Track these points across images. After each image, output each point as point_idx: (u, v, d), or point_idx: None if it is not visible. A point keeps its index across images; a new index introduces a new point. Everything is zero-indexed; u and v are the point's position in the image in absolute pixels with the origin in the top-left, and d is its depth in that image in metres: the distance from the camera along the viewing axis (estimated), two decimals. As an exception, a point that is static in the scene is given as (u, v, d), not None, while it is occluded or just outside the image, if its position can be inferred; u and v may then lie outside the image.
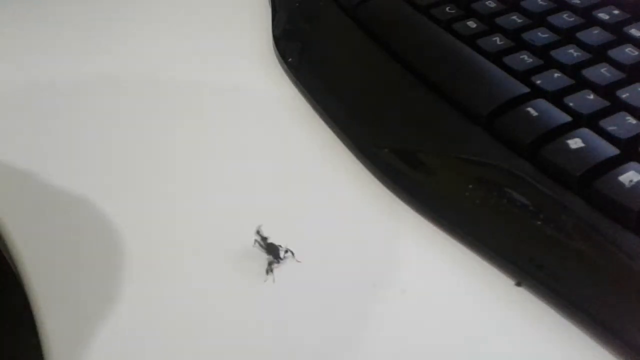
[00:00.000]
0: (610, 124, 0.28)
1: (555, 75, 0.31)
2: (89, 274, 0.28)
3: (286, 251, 0.28)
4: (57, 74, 0.40)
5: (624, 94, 0.29)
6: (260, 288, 0.27)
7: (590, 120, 0.29)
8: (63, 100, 0.38)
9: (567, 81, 0.31)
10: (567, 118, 0.29)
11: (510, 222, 0.27)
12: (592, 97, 0.30)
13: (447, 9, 0.37)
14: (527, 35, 0.34)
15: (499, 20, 0.35)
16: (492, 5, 0.36)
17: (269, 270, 0.27)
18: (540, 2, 0.36)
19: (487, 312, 0.25)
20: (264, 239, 0.28)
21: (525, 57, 0.32)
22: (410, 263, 0.27)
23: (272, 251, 0.27)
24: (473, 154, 0.30)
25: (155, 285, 0.27)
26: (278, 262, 0.27)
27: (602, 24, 0.34)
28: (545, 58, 0.32)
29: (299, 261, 0.28)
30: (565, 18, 0.34)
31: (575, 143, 0.28)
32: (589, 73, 0.31)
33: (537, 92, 0.30)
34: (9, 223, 0.30)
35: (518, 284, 0.26)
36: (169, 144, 0.34)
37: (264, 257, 0.28)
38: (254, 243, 0.28)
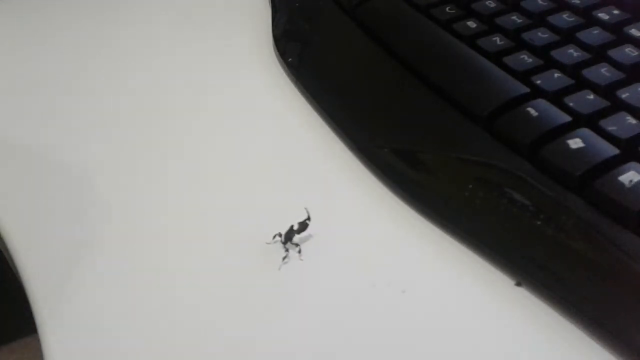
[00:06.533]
0: (610, 124, 0.28)
1: (555, 75, 0.31)
2: (90, 274, 0.28)
3: (296, 244, 0.28)
4: (57, 75, 0.40)
5: (624, 94, 0.29)
6: (258, 288, 0.27)
7: (590, 120, 0.29)
8: (63, 102, 0.38)
9: (567, 81, 0.31)
10: (567, 118, 0.29)
11: (510, 222, 0.27)
12: (592, 97, 0.30)
13: (447, 9, 0.37)
14: (527, 35, 0.34)
15: (499, 20, 0.35)
16: (492, 5, 0.36)
17: (286, 249, 0.28)
18: (540, 2, 0.36)
19: (487, 312, 0.25)
20: (302, 223, 0.28)
21: (525, 57, 0.32)
22: (410, 263, 0.27)
23: (286, 236, 0.28)
24: (473, 154, 0.30)
25: (158, 284, 0.27)
26: (285, 250, 0.28)
27: (602, 24, 0.34)
28: (545, 58, 0.32)
29: (301, 259, 0.28)
30: (565, 18, 0.34)
31: (575, 143, 0.28)
32: (589, 73, 0.31)
33: (537, 92, 0.30)
34: (9, 223, 0.30)
35: (518, 284, 0.26)
36: (168, 144, 0.34)
37: (262, 254, 0.28)
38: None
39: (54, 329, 0.26)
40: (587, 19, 0.34)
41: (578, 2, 0.35)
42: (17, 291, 0.27)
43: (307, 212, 0.28)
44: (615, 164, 0.27)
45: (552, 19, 0.34)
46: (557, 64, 0.32)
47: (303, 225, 0.28)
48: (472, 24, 0.35)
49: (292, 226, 0.28)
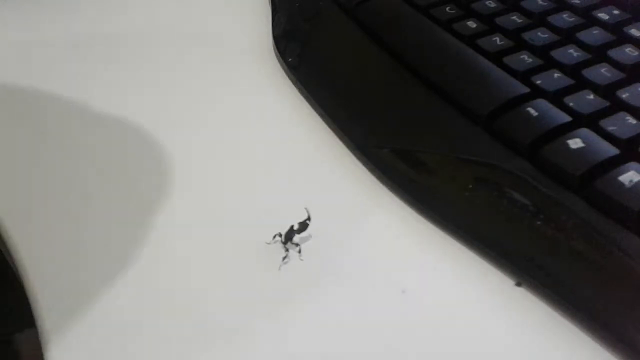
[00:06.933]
0: (610, 124, 0.28)
1: (555, 75, 0.31)
2: (90, 274, 0.28)
3: (296, 244, 0.28)
4: (57, 75, 0.40)
5: (624, 94, 0.29)
6: (258, 287, 0.27)
7: (590, 120, 0.29)
8: (61, 99, 0.38)
9: (567, 81, 0.31)
10: (567, 118, 0.29)
11: (510, 222, 0.27)
12: (592, 97, 0.30)
13: (447, 9, 0.37)
14: (527, 35, 0.34)
15: (499, 20, 0.35)
16: (492, 5, 0.36)
17: (286, 249, 0.28)
18: (540, 2, 0.36)
19: (487, 312, 0.25)
20: (302, 223, 0.28)
21: (525, 57, 0.32)
22: (410, 263, 0.27)
23: (287, 236, 0.28)
24: (473, 154, 0.30)
25: (158, 284, 0.27)
26: (285, 250, 0.28)
27: (602, 24, 0.34)
28: (545, 58, 0.32)
29: (301, 259, 0.28)
30: (565, 18, 0.34)
31: (575, 143, 0.28)
32: (589, 73, 0.31)
33: (537, 92, 0.30)
34: (9, 223, 0.30)
35: (518, 284, 0.26)
36: (168, 144, 0.34)
37: (262, 254, 0.28)
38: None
39: (55, 328, 0.26)
40: (587, 19, 0.34)
41: (578, 2, 0.35)
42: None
43: (307, 212, 0.28)
44: (615, 164, 0.27)
45: (552, 19, 0.34)
46: (557, 64, 0.32)
47: (303, 225, 0.28)
48: (472, 24, 0.35)
49: (292, 226, 0.28)
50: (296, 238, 0.28)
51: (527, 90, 0.31)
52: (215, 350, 0.25)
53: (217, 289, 0.27)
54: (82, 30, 0.44)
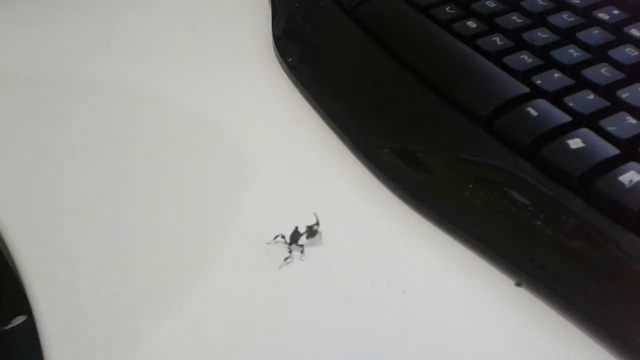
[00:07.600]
0: (610, 124, 0.28)
1: (555, 75, 0.31)
2: (90, 275, 0.28)
3: (300, 245, 0.28)
4: (57, 75, 0.40)
5: (624, 94, 0.29)
6: (259, 286, 0.27)
7: (590, 120, 0.29)
8: (63, 100, 0.38)
9: (567, 81, 0.31)
10: (567, 118, 0.29)
11: (510, 222, 0.27)
12: (592, 97, 0.30)
13: (447, 9, 0.37)
14: (527, 35, 0.34)
15: (499, 20, 0.35)
16: (492, 5, 0.36)
17: (289, 250, 0.28)
18: (540, 2, 0.36)
19: (487, 312, 0.25)
20: (310, 228, 0.28)
21: (525, 57, 0.32)
22: (410, 263, 0.27)
23: (292, 237, 0.28)
24: (473, 154, 0.30)
25: (156, 283, 0.27)
26: (289, 251, 0.28)
27: (602, 24, 0.34)
28: (545, 58, 0.32)
29: (301, 259, 0.28)
30: (565, 18, 0.34)
31: (575, 143, 0.28)
32: (589, 73, 0.31)
33: (537, 92, 0.30)
34: (9, 223, 0.30)
35: (518, 284, 0.26)
36: (168, 145, 0.34)
37: (263, 254, 0.28)
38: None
39: (52, 324, 0.26)
40: (587, 19, 0.34)
41: (578, 2, 0.35)
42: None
43: (316, 217, 0.28)
44: (615, 164, 0.27)
45: (552, 19, 0.34)
46: (557, 64, 0.32)
47: (312, 231, 0.28)
48: (472, 24, 0.35)
49: (296, 227, 0.28)
50: (302, 240, 0.28)
51: (527, 90, 0.31)
52: (216, 349, 0.25)
53: (217, 289, 0.27)
54: (80, 29, 0.44)
